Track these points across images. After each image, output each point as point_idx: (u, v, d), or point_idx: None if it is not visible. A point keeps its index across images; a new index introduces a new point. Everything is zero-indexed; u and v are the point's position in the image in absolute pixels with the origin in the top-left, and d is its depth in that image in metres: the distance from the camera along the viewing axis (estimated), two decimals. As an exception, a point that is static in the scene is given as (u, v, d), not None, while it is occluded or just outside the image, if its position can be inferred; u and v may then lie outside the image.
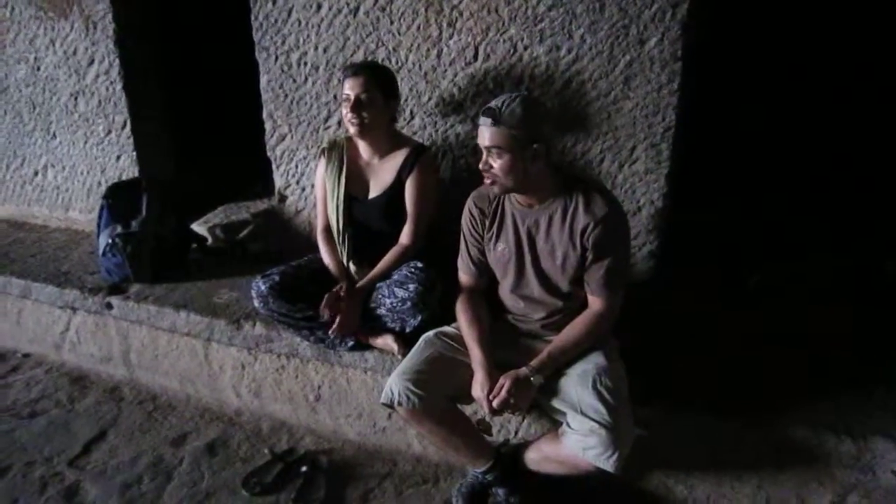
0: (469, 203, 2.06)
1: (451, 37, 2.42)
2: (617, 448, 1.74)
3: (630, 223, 2.36)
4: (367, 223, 2.36)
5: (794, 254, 2.85)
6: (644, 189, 2.38)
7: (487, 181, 1.89)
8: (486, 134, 1.81)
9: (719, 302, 2.57)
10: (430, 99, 2.55)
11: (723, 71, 3.26)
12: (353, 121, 2.21)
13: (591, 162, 2.41)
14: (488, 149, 1.83)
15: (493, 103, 1.80)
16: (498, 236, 2.01)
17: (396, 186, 2.32)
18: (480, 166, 1.85)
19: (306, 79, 2.72)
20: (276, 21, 2.66)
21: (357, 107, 2.19)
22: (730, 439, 2.04)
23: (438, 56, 2.47)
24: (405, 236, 2.32)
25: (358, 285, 2.27)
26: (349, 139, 2.37)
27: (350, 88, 2.19)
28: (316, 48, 2.65)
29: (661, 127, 2.28)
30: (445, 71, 2.48)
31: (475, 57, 2.42)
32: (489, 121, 1.79)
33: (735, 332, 2.40)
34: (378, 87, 2.21)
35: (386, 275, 2.27)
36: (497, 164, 1.83)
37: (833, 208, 3.09)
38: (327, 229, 2.42)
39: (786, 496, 2.02)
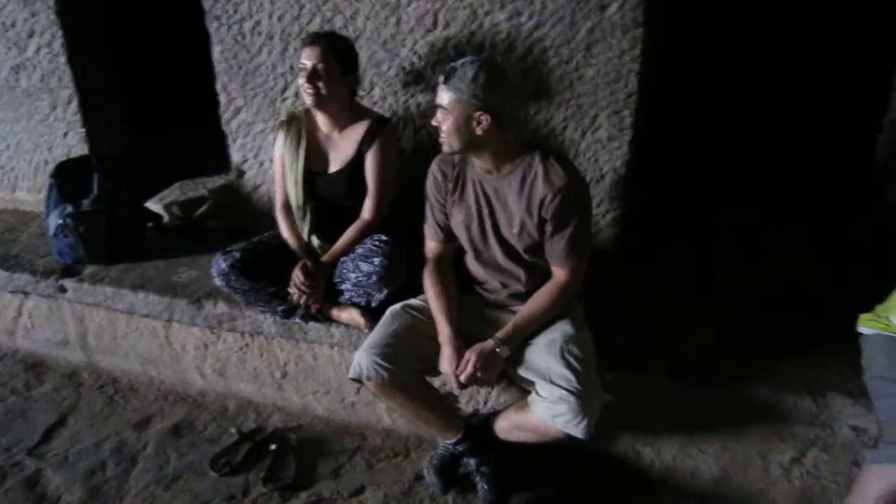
0: (433, 166, 2.05)
1: (409, 4, 2.36)
2: (586, 414, 1.76)
3: (593, 191, 2.38)
4: (329, 197, 2.31)
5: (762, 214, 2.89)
6: (607, 156, 2.38)
7: (442, 147, 1.89)
8: (439, 92, 1.82)
9: (683, 262, 2.60)
10: (389, 68, 2.49)
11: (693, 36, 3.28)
12: (310, 91, 2.14)
13: (554, 130, 2.40)
14: (439, 107, 1.83)
15: (454, 63, 1.80)
16: (460, 201, 1.99)
17: (357, 160, 2.27)
18: (432, 122, 1.86)
19: (261, 49, 2.63)
20: (226, -12, 2.56)
21: (313, 77, 2.12)
22: (695, 401, 2.08)
23: (397, 24, 2.41)
24: (366, 210, 2.29)
25: (322, 260, 2.24)
26: (307, 112, 2.30)
27: (307, 58, 2.13)
28: (270, 16, 2.56)
29: (624, 93, 2.27)
30: (405, 39, 2.43)
31: (434, 24, 2.36)
32: (442, 78, 1.80)
33: (698, 293, 2.44)
34: (336, 57, 2.15)
35: (349, 249, 2.24)
36: (444, 125, 1.83)
37: (801, 165, 3.14)
38: (286, 205, 2.37)
39: (749, 454, 2.08)
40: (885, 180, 2.33)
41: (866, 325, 1.92)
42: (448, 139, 1.85)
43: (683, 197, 3.04)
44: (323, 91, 2.15)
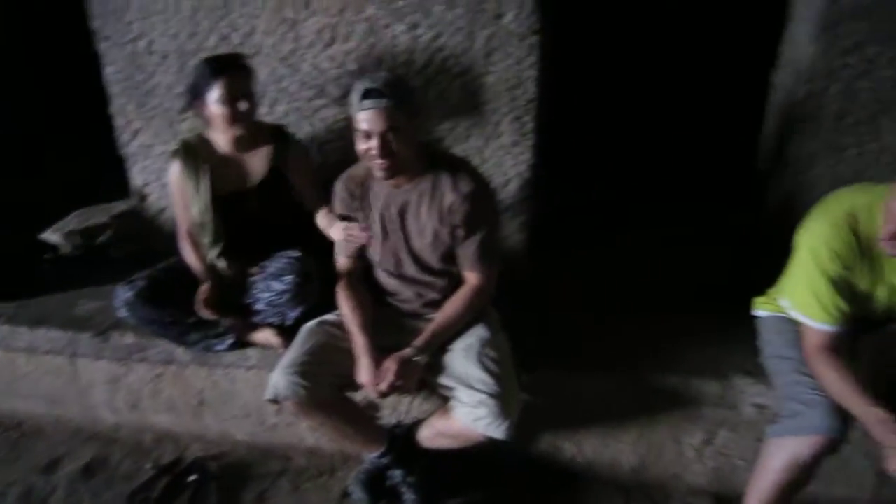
0: (339, 186, 2.03)
1: (307, 18, 2.35)
2: (506, 416, 1.78)
3: (500, 196, 2.42)
4: (241, 218, 2.23)
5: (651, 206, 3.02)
6: (512, 161, 2.43)
7: (382, 167, 1.82)
8: (382, 116, 1.75)
9: (589, 263, 2.68)
10: (291, 83, 2.46)
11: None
12: (242, 117, 2.09)
13: (458, 138, 2.43)
14: (387, 131, 1.76)
15: (374, 85, 1.74)
16: (369, 217, 1.99)
17: (271, 177, 2.22)
18: (376, 153, 1.79)
19: (157, 69, 2.55)
20: (115, 8, 2.47)
21: (243, 100, 2.08)
22: (610, 395, 2.15)
23: (296, 39, 2.39)
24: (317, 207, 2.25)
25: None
26: (201, 137, 2.23)
27: (229, 86, 2.05)
28: (164, 35, 2.49)
29: (524, 99, 2.33)
30: (305, 54, 2.41)
31: (333, 39, 2.36)
32: (384, 101, 1.74)
33: (606, 291, 2.52)
34: (250, 76, 2.12)
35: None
36: (398, 145, 1.78)
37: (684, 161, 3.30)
38: (189, 233, 2.28)
39: (663, 439, 2.17)
40: (768, 180, 2.48)
41: (761, 308, 2.05)
42: (404, 159, 1.82)
43: (585, 198, 3.14)
44: (249, 113, 2.11)
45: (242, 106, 2.08)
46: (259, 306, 2.17)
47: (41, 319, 2.47)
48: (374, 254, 2.03)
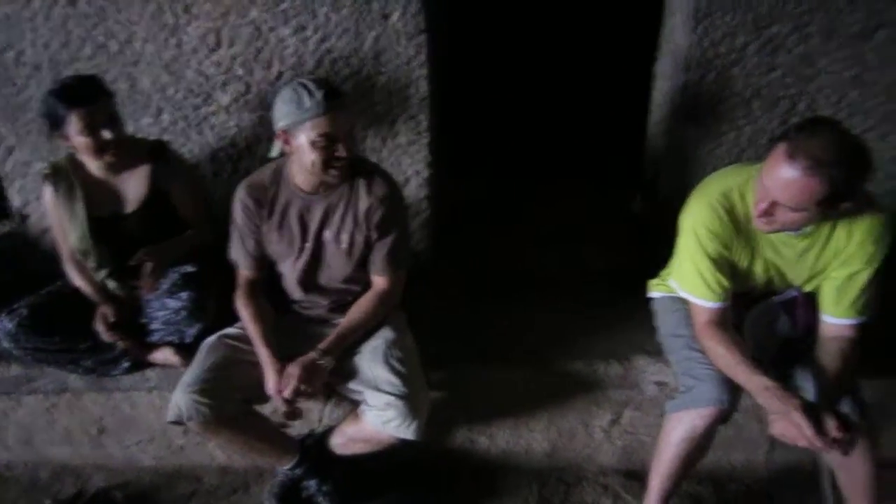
0: (241, 194, 1.95)
1: (188, 23, 2.26)
2: (415, 416, 1.79)
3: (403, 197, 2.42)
4: (123, 239, 2.12)
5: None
6: (409, 160, 2.43)
7: (335, 175, 1.81)
8: (340, 120, 1.74)
9: (490, 255, 2.72)
10: (176, 91, 2.37)
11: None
12: (103, 155, 2.01)
13: (355, 139, 2.41)
14: (341, 136, 1.76)
15: (325, 88, 1.73)
16: (280, 226, 1.94)
17: (153, 197, 2.13)
18: (342, 156, 1.77)
19: (28, 81, 2.40)
20: (-24, 17, 2.31)
21: (105, 128, 1.97)
22: (520, 385, 2.19)
23: (178, 45, 2.30)
24: (200, 233, 2.20)
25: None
26: (72, 159, 2.11)
27: (81, 120, 1.94)
28: (34, 45, 2.34)
29: (417, 98, 2.33)
30: (189, 60, 2.32)
31: (218, 43, 2.28)
32: (339, 102, 1.74)
33: (508, 283, 2.56)
34: (108, 100, 2.01)
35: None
36: (347, 150, 1.78)
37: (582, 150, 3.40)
38: (72, 257, 2.16)
39: (572, 424, 2.23)
40: (658, 165, 2.59)
41: (655, 290, 2.13)
42: (347, 165, 1.82)
43: (485, 189, 3.18)
44: (111, 143, 2.00)
45: (106, 135, 1.98)
46: (155, 325, 2.09)
47: (-86, 357, 2.28)
48: (282, 263, 1.99)
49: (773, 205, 1.59)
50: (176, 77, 2.34)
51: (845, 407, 1.70)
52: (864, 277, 1.73)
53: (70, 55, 2.34)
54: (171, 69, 2.33)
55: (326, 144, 1.74)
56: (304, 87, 1.73)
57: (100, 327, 2.06)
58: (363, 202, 1.88)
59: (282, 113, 1.76)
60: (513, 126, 3.64)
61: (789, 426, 1.63)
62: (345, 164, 1.80)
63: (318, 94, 1.71)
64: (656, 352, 2.12)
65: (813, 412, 1.61)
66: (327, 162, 1.77)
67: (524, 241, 2.77)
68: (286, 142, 1.80)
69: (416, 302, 2.15)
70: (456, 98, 2.81)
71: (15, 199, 2.61)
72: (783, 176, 1.53)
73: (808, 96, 2.33)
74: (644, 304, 2.16)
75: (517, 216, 2.97)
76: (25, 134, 2.48)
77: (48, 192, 2.10)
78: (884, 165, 2.27)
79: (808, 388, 1.74)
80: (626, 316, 2.29)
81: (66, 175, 2.09)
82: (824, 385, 1.71)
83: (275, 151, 1.87)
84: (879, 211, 1.71)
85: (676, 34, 2.37)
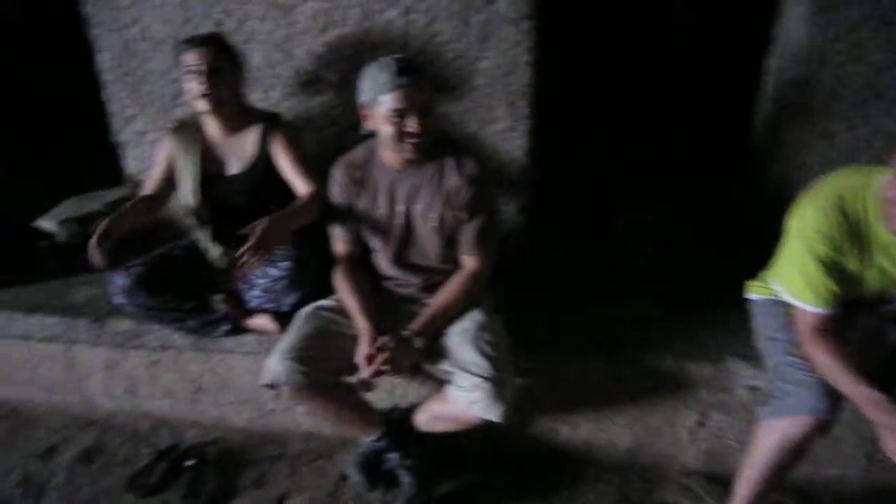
0: (337, 172, 2.02)
1: (301, 4, 2.34)
2: (501, 399, 1.79)
3: (496, 181, 2.43)
4: (227, 201, 2.22)
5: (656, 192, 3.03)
6: (507, 146, 2.43)
7: (419, 147, 1.84)
8: (420, 92, 1.78)
9: (586, 246, 2.69)
10: (287, 70, 2.46)
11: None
12: (206, 92, 2.07)
13: (453, 123, 2.43)
14: (420, 109, 1.78)
15: (400, 64, 1.76)
16: (373, 203, 1.99)
17: (259, 161, 2.21)
18: (415, 131, 1.79)
19: (150, 55, 2.54)
20: (108, -6, 2.46)
21: (212, 76, 2.06)
22: (607, 378, 2.17)
23: (290, 25, 2.38)
24: (305, 190, 2.14)
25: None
26: (197, 118, 2.24)
27: (198, 59, 2.05)
28: (157, 21, 2.48)
29: (518, 84, 2.33)
30: (299, 40, 2.40)
31: (328, 24, 2.35)
32: (417, 76, 1.77)
33: (603, 274, 2.53)
34: (227, 56, 2.11)
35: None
36: (420, 125, 1.79)
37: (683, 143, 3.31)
38: (148, 196, 2.24)
39: (657, 422, 2.19)
40: (762, 161, 2.49)
41: (754, 292, 2.06)
42: (427, 139, 1.83)
43: (582, 182, 3.15)
44: (220, 91, 2.10)
45: (217, 81, 2.07)
46: (254, 292, 2.18)
47: (37, 306, 2.47)
48: (376, 240, 2.04)
49: None
50: (287, 56, 2.43)
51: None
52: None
53: (190, 32, 2.45)
54: (282, 48, 2.42)
55: (398, 118, 1.78)
56: (382, 63, 1.78)
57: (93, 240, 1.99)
58: (452, 181, 1.90)
59: (362, 89, 1.83)
60: (613, 120, 3.58)
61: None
62: (421, 139, 1.82)
63: (392, 69, 1.75)
64: (751, 355, 2.05)
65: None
66: (400, 136, 1.81)
67: (621, 233, 2.73)
68: (366, 117, 1.85)
69: (509, 288, 2.16)
70: (557, 83, 2.78)
71: (131, 167, 2.78)
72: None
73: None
74: (740, 306, 2.10)
75: (615, 203, 2.93)
76: (144, 105, 2.63)
77: (167, 144, 2.23)
78: None
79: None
80: (721, 315, 2.23)
81: (190, 131, 2.21)
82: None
83: (366, 129, 1.92)
84: None
85: (794, 27, 2.27)
